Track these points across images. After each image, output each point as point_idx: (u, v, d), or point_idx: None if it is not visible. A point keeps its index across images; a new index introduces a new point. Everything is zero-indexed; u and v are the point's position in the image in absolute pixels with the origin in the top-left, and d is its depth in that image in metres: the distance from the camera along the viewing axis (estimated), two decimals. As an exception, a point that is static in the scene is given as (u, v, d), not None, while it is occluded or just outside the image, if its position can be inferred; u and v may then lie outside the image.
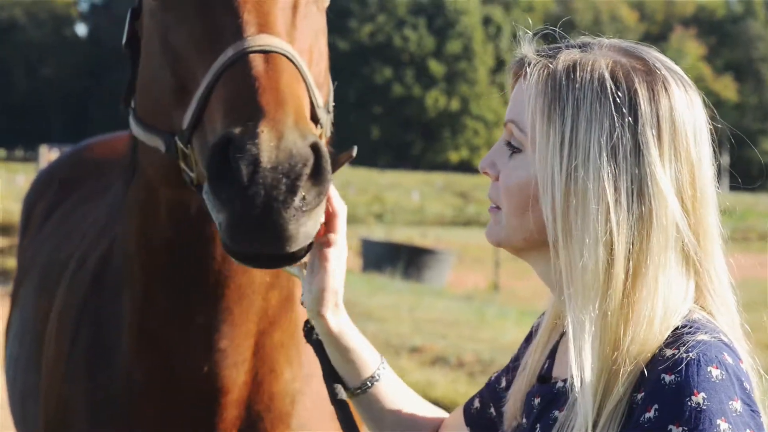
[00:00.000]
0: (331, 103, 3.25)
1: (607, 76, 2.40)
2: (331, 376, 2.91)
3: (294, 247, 2.68)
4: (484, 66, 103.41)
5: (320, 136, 3.01)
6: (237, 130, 2.65)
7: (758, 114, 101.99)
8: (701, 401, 2.20)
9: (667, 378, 2.24)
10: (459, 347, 13.93)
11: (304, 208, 2.64)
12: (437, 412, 3.03)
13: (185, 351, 3.36)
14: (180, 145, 2.99)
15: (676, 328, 2.33)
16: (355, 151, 3.09)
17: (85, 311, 3.68)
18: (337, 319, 2.83)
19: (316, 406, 3.56)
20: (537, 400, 2.57)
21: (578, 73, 2.41)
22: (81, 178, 5.07)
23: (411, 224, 46.76)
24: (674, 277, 2.38)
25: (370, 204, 51.92)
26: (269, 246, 2.66)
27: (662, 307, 2.35)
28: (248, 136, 2.63)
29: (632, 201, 2.36)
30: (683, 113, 2.40)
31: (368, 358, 2.90)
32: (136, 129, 3.29)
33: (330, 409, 2.93)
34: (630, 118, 2.37)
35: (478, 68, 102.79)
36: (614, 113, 2.37)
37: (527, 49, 2.55)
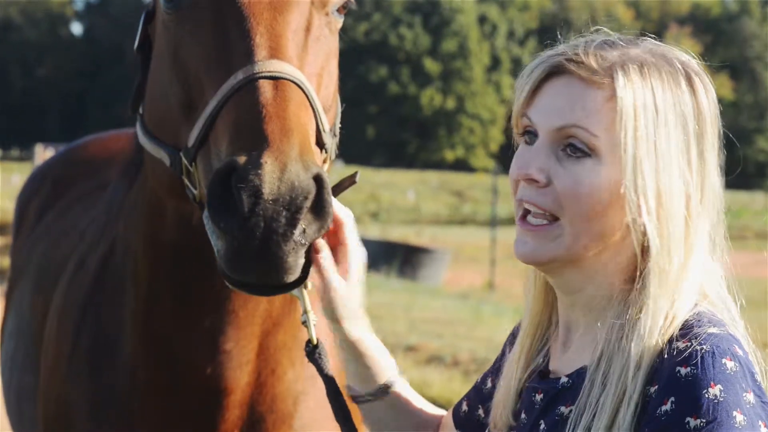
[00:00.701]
0: (338, 125, 3.22)
1: (680, 77, 2.46)
2: (339, 404, 2.90)
3: (292, 278, 2.68)
4: (480, 64, 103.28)
5: (324, 161, 3.02)
6: (241, 159, 2.64)
7: (754, 113, 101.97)
8: (718, 393, 2.21)
9: (683, 370, 2.26)
10: (454, 346, 13.94)
11: (303, 241, 2.64)
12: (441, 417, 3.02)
13: (190, 352, 3.36)
14: (185, 161, 2.99)
15: (686, 321, 2.36)
16: (358, 177, 3.09)
17: (87, 311, 3.68)
18: (356, 326, 2.83)
19: (319, 407, 3.56)
20: (539, 396, 2.57)
21: (653, 77, 2.44)
22: (75, 177, 5.06)
23: (406, 223, 46.75)
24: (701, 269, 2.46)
25: (365, 203, 51.89)
26: (267, 276, 2.67)
27: (693, 296, 2.42)
28: (251, 166, 2.62)
29: (701, 196, 2.44)
30: (717, 106, 2.52)
31: (384, 365, 2.89)
32: (142, 138, 3.28)
33: None
34: (697, 116, 2.44)
35: (474, 67, 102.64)
36: (686, 115, 2.43)
37: (577, 50, 2.50)
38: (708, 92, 2.49)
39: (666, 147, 2.40)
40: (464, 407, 2.96)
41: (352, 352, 2.85)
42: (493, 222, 27.83)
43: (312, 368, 3.50)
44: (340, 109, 3.30)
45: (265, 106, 2.75)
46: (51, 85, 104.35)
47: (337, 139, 3.19)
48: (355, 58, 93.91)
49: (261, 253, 2.62)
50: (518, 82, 2.58)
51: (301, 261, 2.68)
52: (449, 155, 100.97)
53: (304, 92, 2.85)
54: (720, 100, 2.57)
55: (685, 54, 2.54)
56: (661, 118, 2.40)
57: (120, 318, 3.55)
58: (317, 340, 2.89)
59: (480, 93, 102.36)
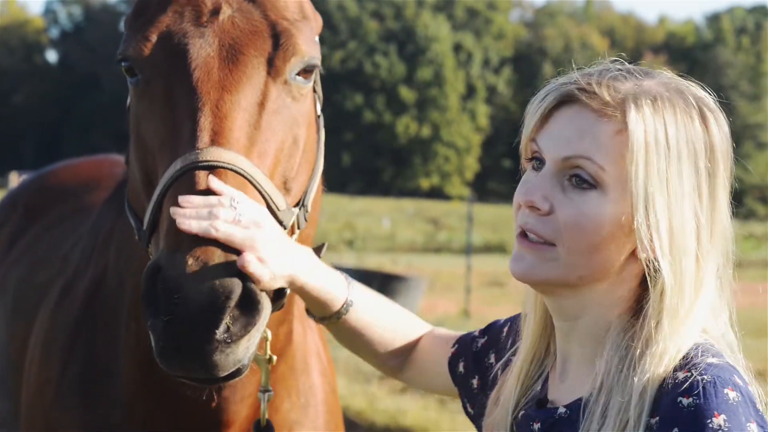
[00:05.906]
0: (312, 192, 3.16)
1: (694, 112, 2.43)
2: None
3: (223, 373, 2.66)
4: (455, 93, 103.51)
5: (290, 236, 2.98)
6: (165, 258, 2.63)
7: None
8: (722, 423, 2.21)
9: (685, 401, 2.26)
10: (430, 374, 13.88)
11: (228, 340, 2.61)
12: (413, 330, 3.17)
13: (194, 389, 3.32)
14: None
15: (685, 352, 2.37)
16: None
17: (76, 339, 3.63)
18: (297, 278, 2.84)
19: None
20: (537, 426, 2.57)
21: (666, 112, 2.41)
22: (47, 203, 5.01)
23: (382, 251, 46.66)
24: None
25: (340, 230, 51.80)
26: (198, 372, 2.66)
27: (697, 332, 2.42)
28: (173, 266, 2.60)
29: (710, 235, 2.43)
30: (730, 143, 2.50)
31: (335, 293, 2.98)
32: (126, 202, 3.26)
33: None
34: (710, 154, 2.43)
35: (449, 95, 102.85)
36: (698, 152, 2.41)
37: (590, 79, 2.49)
38: (721, 129, 2.47)
39: (678, 182, 2.38)
40: (461, 368, 3.05)
41: (304, 292, 2.93)
42: (468, 250, 27.85)
43: (305, 396, 3.53)
44: (319, 169, 3.24)
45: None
46: (26, 112, 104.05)
47: (307, 208, 3.12)
48: (330, 86, 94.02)
49: (185, 352, 2.61)
50: (530, 107, 2.57)
51: (233, 356, 2.64)
52: (424, 183, 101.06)
53: (246, 178, 2.80)
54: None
55: (700, 90, 2.52)
56: (673, 154, 2.38)
57: (114, 350, 3.51)
58: (267, 421, 3.02)
59: (455, 121, 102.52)
